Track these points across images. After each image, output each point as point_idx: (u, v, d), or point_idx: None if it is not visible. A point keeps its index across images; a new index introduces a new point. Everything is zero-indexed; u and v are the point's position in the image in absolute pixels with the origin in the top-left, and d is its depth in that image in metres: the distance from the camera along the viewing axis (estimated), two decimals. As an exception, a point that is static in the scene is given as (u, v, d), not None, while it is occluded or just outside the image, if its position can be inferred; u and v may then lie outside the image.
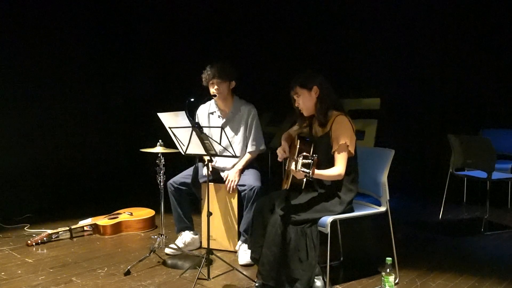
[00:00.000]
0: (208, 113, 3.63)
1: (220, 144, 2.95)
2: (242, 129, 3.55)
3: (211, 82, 3.43)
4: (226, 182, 3.43)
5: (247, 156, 3.54)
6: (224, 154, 3.04)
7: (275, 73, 6.31)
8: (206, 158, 3.14)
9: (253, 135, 3.54)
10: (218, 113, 3.59)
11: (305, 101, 2.80)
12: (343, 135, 2.68)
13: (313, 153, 2.62)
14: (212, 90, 3.44)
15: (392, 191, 2.91)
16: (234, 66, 3.51)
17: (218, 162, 3.60)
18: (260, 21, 6.54)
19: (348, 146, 2.68)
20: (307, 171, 2.37)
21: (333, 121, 2.74)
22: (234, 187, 3.41)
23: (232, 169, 3.49)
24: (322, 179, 2.75)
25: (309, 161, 2.37)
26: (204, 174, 3.39)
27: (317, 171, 2.51)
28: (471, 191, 5.11)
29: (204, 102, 3.69)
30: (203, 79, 3.46)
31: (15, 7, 5.13)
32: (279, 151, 2.95)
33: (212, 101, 3.63)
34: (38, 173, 5.30)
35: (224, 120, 3.56)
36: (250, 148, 3.55)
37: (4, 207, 4.60)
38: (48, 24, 5.42)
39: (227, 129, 3.54)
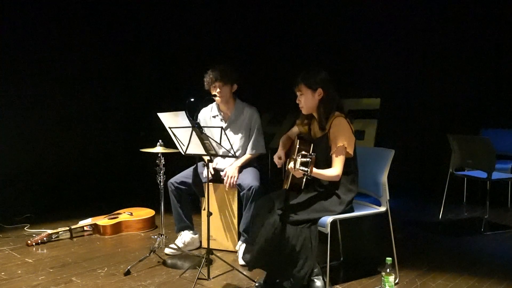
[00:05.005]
0: (211, 116, 3.64)
1: (220, 144, 2.95)
2: (243, 132, 3.55)
3: (213, 85, 3.44)
4: (226, 179, 3.43)
5: (247, 155, 3.54)
6: (224, 154, 3.03)
7: (275, 73, 6.31)
8: (206, 158, 3.14)
9: (254, 139, 3.54)
10: (220, 116, 3.60)
11: (307, 101, 2.79)
12: (341, 137, 2.68)
13: (311, 153, 2.62)
14: (214, 93, 3.44)
15: (392, 191, 2.91)
16: (235, 68, 3.50)
17: (219, 163, 3.60)
18: (261, 20, 6.54)
19: (346, 148, 2.68)
20: (306, 169, 2.38)
21: (331, 123, 2.74)
22: (234, 183, 3.41)
23: (231, 165, 3.49)
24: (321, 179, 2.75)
25: (307, 159, 2.38)
26: (204, 175, 3.39)
27: (315, 170, 2.51)
28: (471, 191, 5.10)
29: (206, 105, 3.69)
30: (205, 83, 3.47)
31: (14, 6, 5.13)
32: (276, 159, 2.96)
33: (214, 104, 3.64)
34: (38, 173, 5.29)
35: (226, 123, 3.57)
36: (249, 151, 3.55)
37: (4, 207, 4.60)
38: (48, 24, 5.42)
39: (228, 131, 3.54)
